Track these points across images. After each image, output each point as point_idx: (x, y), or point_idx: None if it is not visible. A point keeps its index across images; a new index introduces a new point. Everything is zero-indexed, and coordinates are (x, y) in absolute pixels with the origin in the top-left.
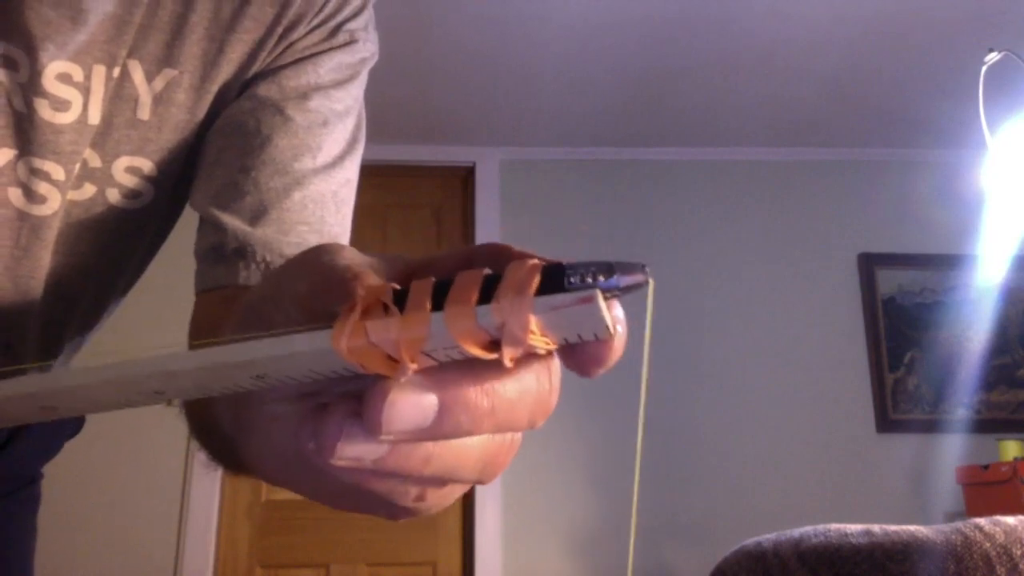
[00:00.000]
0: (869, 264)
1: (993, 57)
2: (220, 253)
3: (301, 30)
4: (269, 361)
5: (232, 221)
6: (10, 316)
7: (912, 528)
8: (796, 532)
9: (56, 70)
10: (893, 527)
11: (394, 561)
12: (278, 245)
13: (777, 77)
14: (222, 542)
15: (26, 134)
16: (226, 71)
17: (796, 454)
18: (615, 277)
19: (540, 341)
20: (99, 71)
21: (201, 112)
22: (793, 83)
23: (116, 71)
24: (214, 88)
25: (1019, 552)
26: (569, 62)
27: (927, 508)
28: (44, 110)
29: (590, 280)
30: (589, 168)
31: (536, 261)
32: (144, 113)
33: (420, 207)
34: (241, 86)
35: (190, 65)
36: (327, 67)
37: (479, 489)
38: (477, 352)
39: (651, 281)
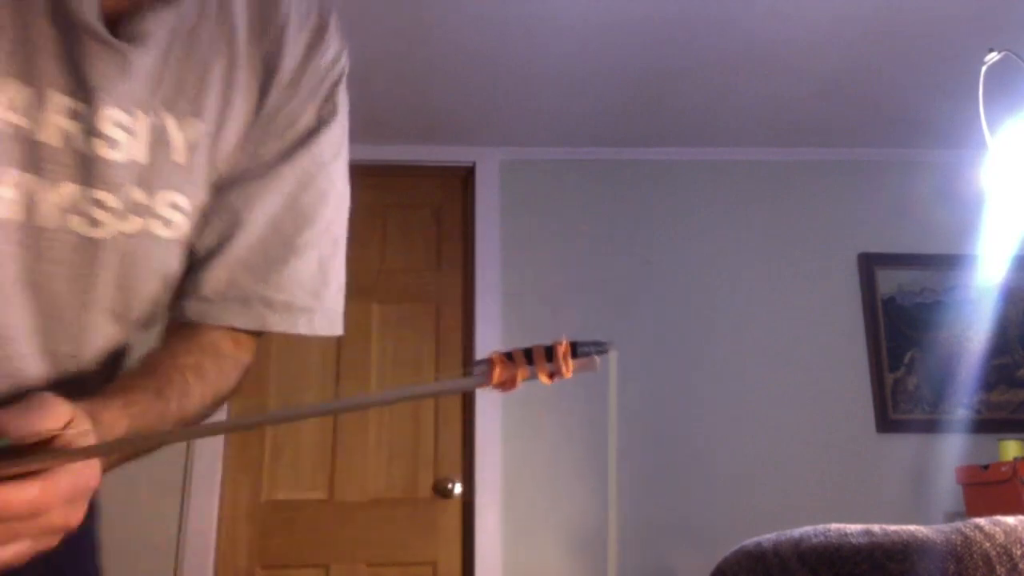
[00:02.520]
0: (869, 264)
1: (993, 57)
2: (246, 301)
3: (295, 104)
4: (435, 392)
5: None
6: (74, 328)
7: (912, 528)
8: (796, 532)
9: (110, 116)
10: (893, 527)
11: (394, 561)
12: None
13: (777, 77)
14: (222, 542)
15: (87, 170)
16: (234, 126)
17: (796, 454)
18: (604, 346)
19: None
20: (142, 117)
21: (218, 161)
22: (793, 83)
23: (155, 118)
24: (227, 139)
25: (1019, 552)
26: (569, 62)
27: (927, 508)
28: (101, 149)
29: (589, 349)
30: (589, 168)
31: (565, 342)
32: (179, 157)
33: (420, 207)
34: (252, 146)
35: (209, 117)
36: (325, 144)
37: (479, 489)
38: (546, 379)
39: (615, 353)
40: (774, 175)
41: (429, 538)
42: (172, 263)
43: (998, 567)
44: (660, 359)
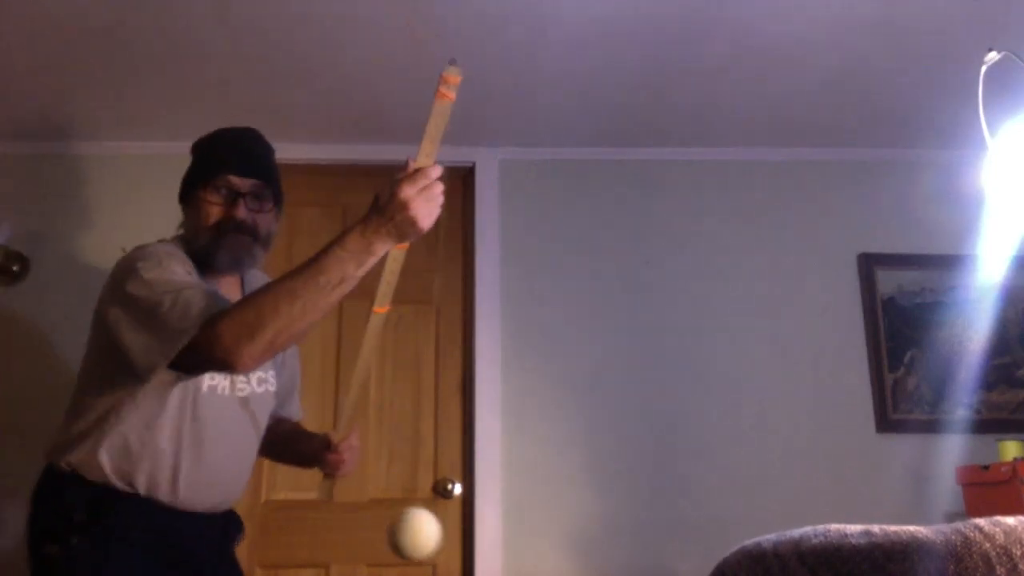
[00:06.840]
0: (869, 264)
1: (993, 57)
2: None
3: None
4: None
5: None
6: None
7: (912, 528)
8: (796, 532)
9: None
10: (893, 527)
11: (394, 561)
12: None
13: (777, 77)
14: None
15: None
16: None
17: (796, 454)
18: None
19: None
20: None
21: (279, 373)
22: (793, 83)
23: (260, 374)
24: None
25: (1019, 552)
26: (569, 62)
27: (927, 508)
28: (245, 386)
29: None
30: (589, 168)
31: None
32: (272, 384)
33: None
34: (280, 370)
35: (275, 367)
36: (296, 363)
37: (479, 489)
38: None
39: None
40: (774, 175)
41: None
42: (271, 402)
43: (998, 567)
44: (660, 359)
